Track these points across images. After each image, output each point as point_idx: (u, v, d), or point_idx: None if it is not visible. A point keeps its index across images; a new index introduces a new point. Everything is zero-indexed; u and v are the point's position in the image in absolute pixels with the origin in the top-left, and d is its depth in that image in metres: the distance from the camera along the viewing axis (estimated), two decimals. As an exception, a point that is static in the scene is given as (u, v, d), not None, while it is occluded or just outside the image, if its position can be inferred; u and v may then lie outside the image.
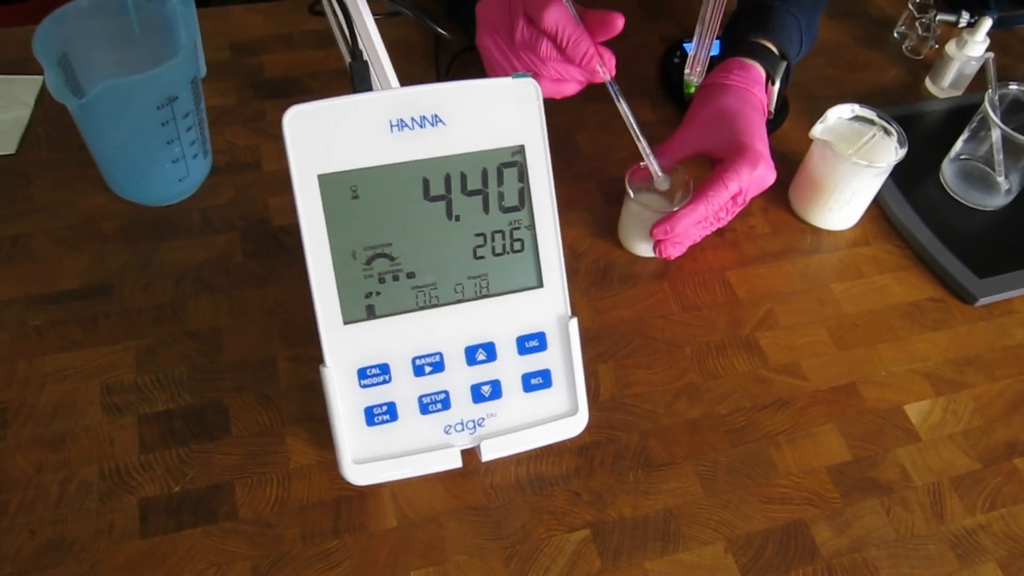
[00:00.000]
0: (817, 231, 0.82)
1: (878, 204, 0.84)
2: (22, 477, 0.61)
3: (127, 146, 0.71)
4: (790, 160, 0.86)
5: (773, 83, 0.80)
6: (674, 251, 0.74)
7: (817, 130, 0.78)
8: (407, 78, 0.67)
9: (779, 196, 0.84)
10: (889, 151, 0.78)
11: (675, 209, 0.73)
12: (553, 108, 0.59)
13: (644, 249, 0.77)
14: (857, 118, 0.80)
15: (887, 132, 0.78)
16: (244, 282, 0.73)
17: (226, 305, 0.71)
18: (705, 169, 0.77)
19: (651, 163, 0.73)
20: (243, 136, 0.84)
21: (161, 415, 0.65)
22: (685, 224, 0.72)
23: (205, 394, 0.66)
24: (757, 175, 0.72)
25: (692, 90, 0.73)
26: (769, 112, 0.80)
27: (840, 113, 0.79)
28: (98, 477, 0.62)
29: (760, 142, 0.74)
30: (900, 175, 0.82)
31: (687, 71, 0.73)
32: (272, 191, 0.79)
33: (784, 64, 0.80)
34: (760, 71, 0.79)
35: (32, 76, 0.85)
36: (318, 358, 0.57)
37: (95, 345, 0.68)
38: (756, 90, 0.78)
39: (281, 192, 0.79)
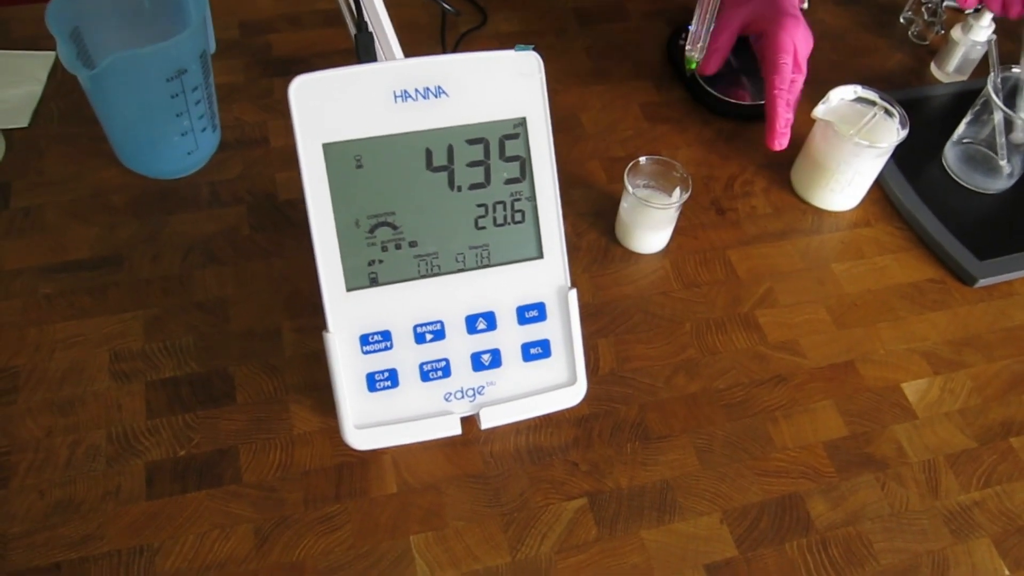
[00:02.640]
0: (818, 212, 0.83)
1: (880, 186, 0.84)
2: (32, 440, 0.63)
3: (137, 118, 0.72)
4: (793, 142, 0.86)
5: None
6: (786, 135, 0.81)
7: (819, 110, 0.78)
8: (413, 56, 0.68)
9: (781, 177, 0.85)
10: (891, 132, 0.78)
11: (673, 202, 0.74)
12: (557, 88, 0.60)
13: (643, 244, 0.77)
14: (859, 99, 0.80)
15: (889, 113, 0.79)
16: (251, 254, 0.74)
17: (233, 276, 0.73)
18: (703, 166, 0.78)
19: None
20: (251, 113, 0.85)
21: (168, 382, 0.66)
22: (782, 102, 0.78)
23: (211, 362, 0.67)
24: (803, 34, 0.78)
25: (693, 66, 0.74)
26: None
27: (842, 94, 0.80)
28: (106, 441, 0.63)
29: (794, 6, 0.79)
30: (903, 158, 0.83)
31: (688, 47, 0.74)
32: (279, 166, 0.81)
33: None
34: None
35: (44, 52, 0.87)
36: (322, 329, 0.59)
37: (104, 314, 0.69)
38: None
39: (288, 168, 0.80)
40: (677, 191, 0.75)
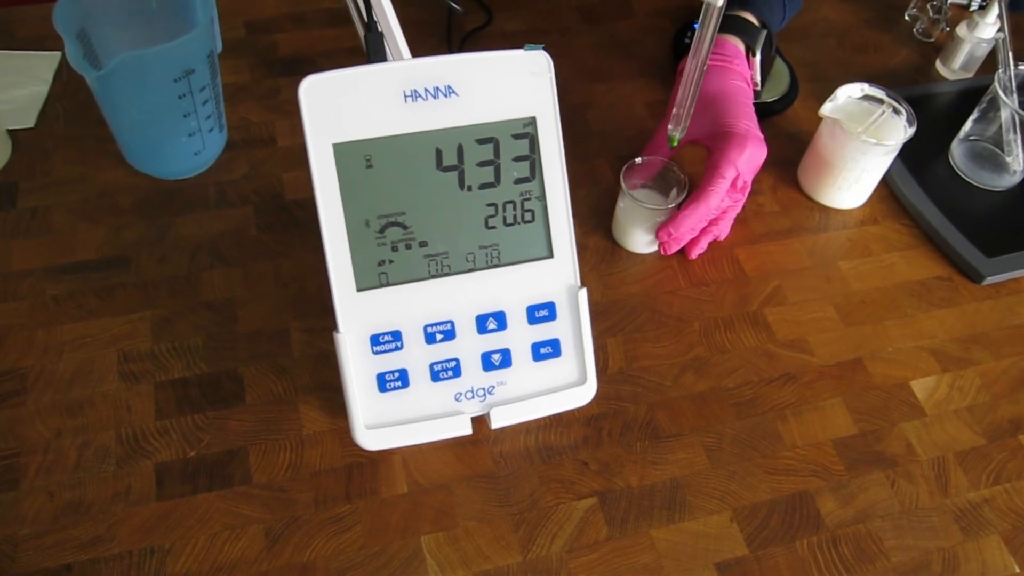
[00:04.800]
0: (826, 210, 0.83)
1: (887, 184, 0.84)
2: (41, 441, 0.62)
3: (144, 119, 0.72)
4: (799, 140, 0.87)
5: (754, 54, 0.79)
6: (677, 248, 0.76)
7: (827, 108, 0.78)
8: (419, 56, 0.68)
9: (788, 175, 0.85)
10: (898, 130, 0.78)
11: (671, 206, 0.73)
12: (563, 86, 0.60)
13: (640, 245, 0.77)
14: (867, 97, 0.80)
15: (896, 111, 0.79)
16: (258, 255, 0.74)
17: (240, 277, 0.72)
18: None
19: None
20: (257, 112, 0.84)
21: (177, 383, 0.66)
22: (690, 223, 0.73)
23: (220, 363, 0.67)
24: (746, 156, 0.72)
25: (675, 144, 0.73)
26: (755, 83, 0.80)
27: (850, 92, 0.80)
28: (115, 442, 0.63)
29: (743, 120, 0.74)
30: (909, 155, 0.83)
31: (670, 127, 0.73)
32: (286, 166, 0.80)
33: (764, 33, 0.79)
34: (736, 44, 0.79)
35: (50, 52, 0.87)
36: (331, 329, 0.59)
37: (112, 315, 0.69)
38: (735, 64, 0.77)
39: (295, 167, 0.80)
40: (674, 192, 0.75)
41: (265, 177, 0.79)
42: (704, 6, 0.63)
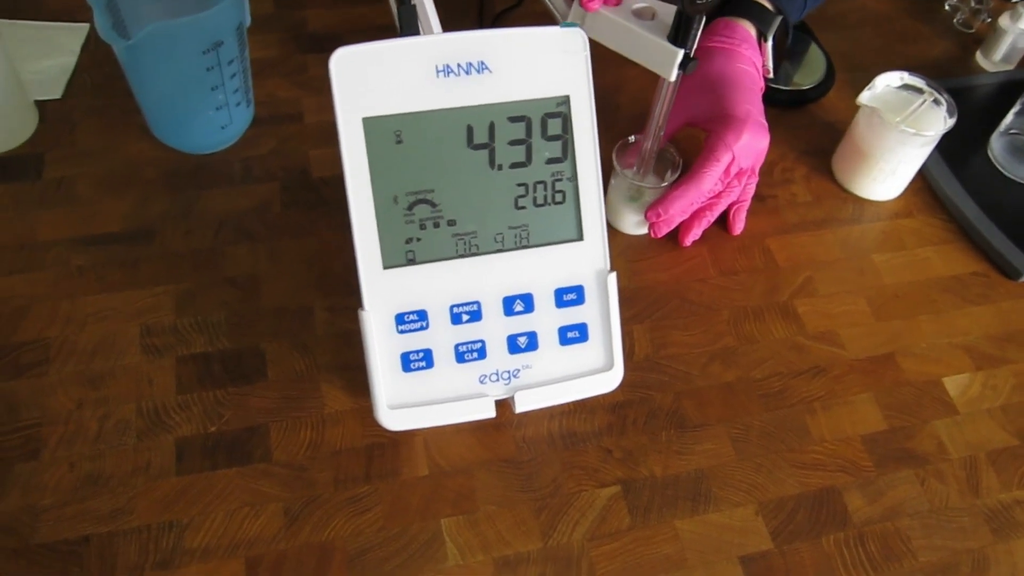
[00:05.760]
0: (860, 201, 0.81)
1: (923, 176, 0.82)
2: (63, 412, 0.62)
3: (172, 91, 0.71)
4: (834, 129, 0.85)
5: (766, 40, 0.76)
6: (667, 231, 0.74)
7: (865, 97, 0.76)
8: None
9: (822, 165, 0.83)
10: (938, 120, 0.76)
11: (663, 185, 0.72)
12: (595, 70, 0.58)
13: (630, 226, 0.75)
14: (906, 86, 0.78)
15: (936, 101, 0.77)
16: (283, 231, 0.73)
17: (265, 253, 0.72)
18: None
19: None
20: (285, 88, 0.84)
21: (199, 357, 0.66)
22: (679, 206, 0.71)
23: (243, 339, 0.67)
24: (744, 142, 0.70)
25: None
26: (766, 70, 0.77)
27: (888, 81, 0.78)
28: (136, 415, 0.62)
29: (744, 105, 0.71)
30: (947, 148, 0.81)
31: (631, 172, 0.73)
32: (313, 143, 0.80)
33: (778, 19, 0.76)
34: (748, 28, 0.76)
35: (78, 24, 0.86)
36: (355, 308, 0.58)
37: (135, 288, 0.69)
38: (744, 49, 0.75)
39: (322, 144, 0.80)
40: (668, 173, 0.73)
41: (292, 154, 0.79)
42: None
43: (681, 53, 0.61)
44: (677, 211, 0.71)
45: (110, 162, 0.77)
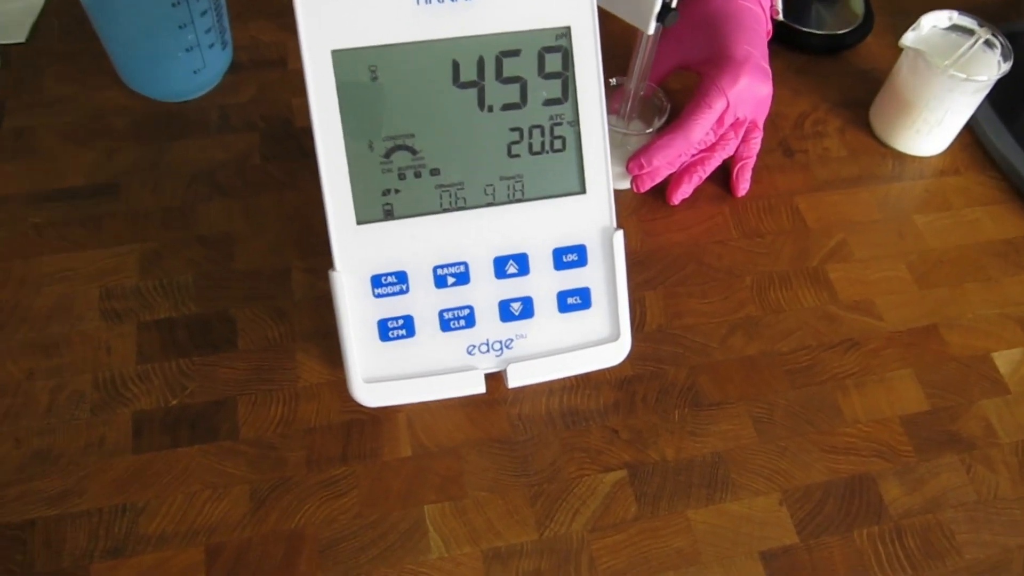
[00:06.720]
0: (900, 156, 0.74)
1: (972, 130, 0.75)
2: (11, 382, 0.57)
3: (137, 30, 0.65)
4: (872, 78, 0.78)
5: None
6: (651, 185, 0.67)
7: (908, 38, 0.69)
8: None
9: (858, 117, 0.76)
10: (991, 65, 0.68)
11: (648, 131, 0.65)
12: (607, 14, 0.52)
13: (617, 181, 0.68)
14: (955, 27, 0.70)
15: (990, 44, 0.69)
16: (261, 186, 0.67)
17: (240, 210, 0.66)
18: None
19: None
20: (268, 32, 0.78)
21: (163, 323, 0.60)
22: (664, 155, 0.64)
23: (212, 303, 0.61)
24: (742, 87, 0.63)
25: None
26: (775, 11, 0.70)
27: (936, 21, 0.70)
28: (91, 387, 0.57)
29: (744, 46, 0.64)
30: (999, 98, 0.73)
31: (615, 118, 0.66)
32: (297, 91, 0.74)
33: None
34: None
35: (47, -38, 0.80)
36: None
37: (97, 247, 0.63)
38: None
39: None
40: (655, 120, 0.67)
41: (273, 102, 0.73)
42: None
43: (659, 2, 0.55)
44: (663, 163, 0.65)
45: (76, 111, 0.71)
